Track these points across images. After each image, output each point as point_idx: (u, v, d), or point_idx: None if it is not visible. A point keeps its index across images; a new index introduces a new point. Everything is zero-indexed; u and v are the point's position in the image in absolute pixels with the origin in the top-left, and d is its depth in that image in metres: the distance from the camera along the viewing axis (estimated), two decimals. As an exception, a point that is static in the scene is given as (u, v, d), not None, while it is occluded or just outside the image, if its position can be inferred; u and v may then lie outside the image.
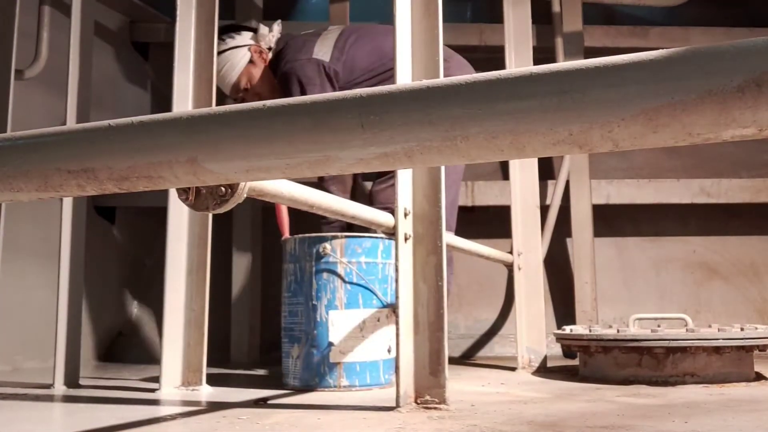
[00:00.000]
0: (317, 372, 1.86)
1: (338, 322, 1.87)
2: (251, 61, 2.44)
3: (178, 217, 1.84)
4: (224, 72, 2.42)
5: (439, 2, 1.51)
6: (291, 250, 1.97)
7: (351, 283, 1.89)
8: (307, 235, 1.96)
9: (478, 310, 3.06)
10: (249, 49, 2.44)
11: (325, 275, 1.89)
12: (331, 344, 1.86)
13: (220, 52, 2.32)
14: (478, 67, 2.42)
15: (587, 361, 2.05)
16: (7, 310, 2.49)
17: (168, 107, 1.84)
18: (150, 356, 2.95)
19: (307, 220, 2.11)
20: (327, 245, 1.89)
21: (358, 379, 1.87)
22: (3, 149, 0.73)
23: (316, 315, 1.88)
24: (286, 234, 2.08)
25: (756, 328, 1.93)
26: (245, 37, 2.45)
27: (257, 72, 2.44)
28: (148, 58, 3.54)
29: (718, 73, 0.50)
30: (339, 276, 1.89)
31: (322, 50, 2.36)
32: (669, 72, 0.52)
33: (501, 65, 2.48)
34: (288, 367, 1.92)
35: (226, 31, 2.44)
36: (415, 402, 1.43)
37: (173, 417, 1.39)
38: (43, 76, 2.58)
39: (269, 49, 2.48)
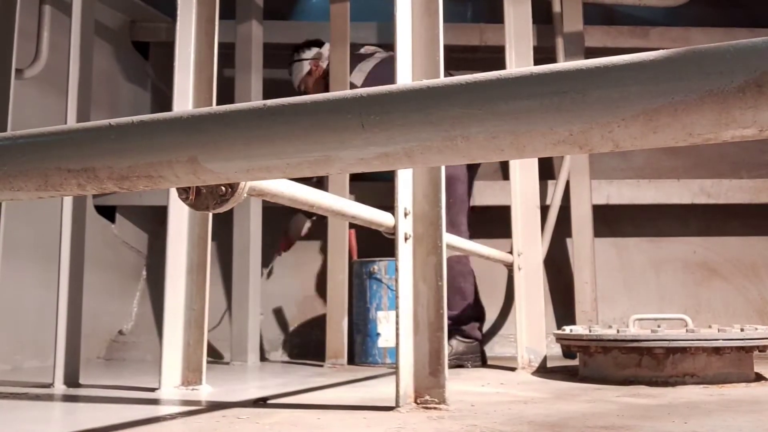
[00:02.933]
0: (371, 353, 2.69)
1: (383, 319, 2.69)
2: (309, 73, 3.12)
3: (179, 216, 1.84)
4: (293, 76, 3.15)
5: (439, 2, 1.50)
6: (355, 270, 2.79)
7: (392, 291, 2.63)
8: (363, 259, 2.82)
9: (478, 310, 3.05)
10: (309, 63, 3.12)
11: (374, 287, 2.72)
12: (378, 334, 2.68)
13: (293, 61, 3.13)
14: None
15: (587, 362, 2.05)
16: (7, 310, 2.49)
17: (168, 107, 1.84)
18: (150, 355, 2.95)
19: (368, 246, 2.94)
20: (375, 266, 2.73)
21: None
22: (3, 148, 0.73)
23: (368, 314, 2.72)
24: (354, 257, 2.89)
25: (756, 329, 1.93)
26: (311, 53, 3.14)
27: (311, 81, 3.13)
28: (148, 58, 3.54)
29: (719, 74, 0.50)
30: (383, 287, 2.70)
31: (357, 75, 2.89)
32: (669, 72, 0.52)
33: (501, 65, 2.48)
34: (355, 350, 2.75)
35: (302, 46, 3.16)
36: (415, 402, 1.43)
37: (173, 416, 1.39)
38: (44, 76, 2.58)
39: (327, 63, 3.10)
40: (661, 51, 0.53)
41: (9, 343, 2.50)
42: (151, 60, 3.53)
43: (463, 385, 1.90)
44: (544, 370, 2.31)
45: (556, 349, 2.84)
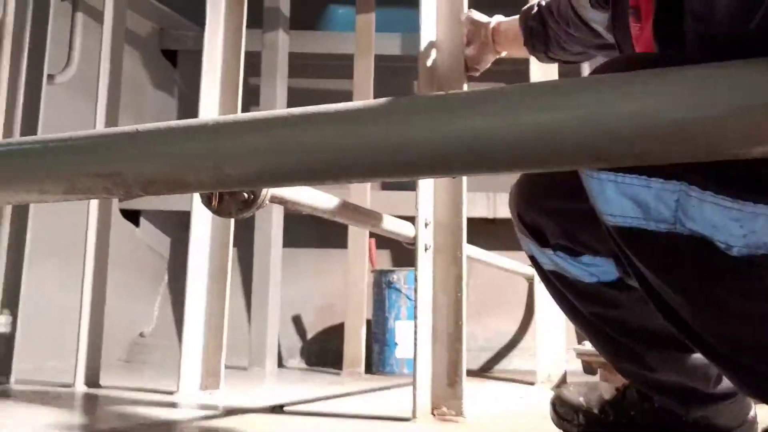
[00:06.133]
0: (388, 363, 2.68)
1: (401, 329, 2.67)
2: None
3: (202, 222, 1.86)
4: None
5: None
6: (375, 279, 2.80)
7: (410, 301, 2.61)
8: (382, 268, 2.84)
9: (498, 322, 3.03)
10: None
11: (393, 296, 2.72)
12: (396, 344, 2.68)
13: None
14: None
15: (608, 378, 2.01)
16: (30, 309, 2.53)
17: (194, 114, 1.87)
18: (170, 358, 2.98)
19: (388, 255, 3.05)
20: (394, 276, 2.73)
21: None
22: (33, 151, 0.75)
23: (387, 324, 2.71)
24: (374, 266, 2.86)
25: None
26: None
27: None
28: (176, 65, 3.60)
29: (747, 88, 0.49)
30: (402, 297, 2.69)
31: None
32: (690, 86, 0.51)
33: (525, 77, 2.47)
34: (373, 359, 2.75)
35: None
36: (432, 414, 1.42)
37: (189, 421, 1.40)
38: (74, 82, 2.63)
39: None
40: (687, 66, 0.52)
41: (31, 343, 2.54)
42: (179, 67, 3.59)
43: (481, 398, 1.89)
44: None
45: (577, 365, 2.80)
